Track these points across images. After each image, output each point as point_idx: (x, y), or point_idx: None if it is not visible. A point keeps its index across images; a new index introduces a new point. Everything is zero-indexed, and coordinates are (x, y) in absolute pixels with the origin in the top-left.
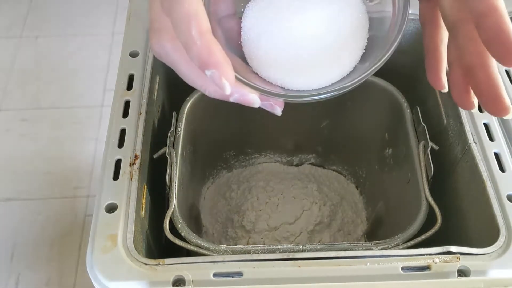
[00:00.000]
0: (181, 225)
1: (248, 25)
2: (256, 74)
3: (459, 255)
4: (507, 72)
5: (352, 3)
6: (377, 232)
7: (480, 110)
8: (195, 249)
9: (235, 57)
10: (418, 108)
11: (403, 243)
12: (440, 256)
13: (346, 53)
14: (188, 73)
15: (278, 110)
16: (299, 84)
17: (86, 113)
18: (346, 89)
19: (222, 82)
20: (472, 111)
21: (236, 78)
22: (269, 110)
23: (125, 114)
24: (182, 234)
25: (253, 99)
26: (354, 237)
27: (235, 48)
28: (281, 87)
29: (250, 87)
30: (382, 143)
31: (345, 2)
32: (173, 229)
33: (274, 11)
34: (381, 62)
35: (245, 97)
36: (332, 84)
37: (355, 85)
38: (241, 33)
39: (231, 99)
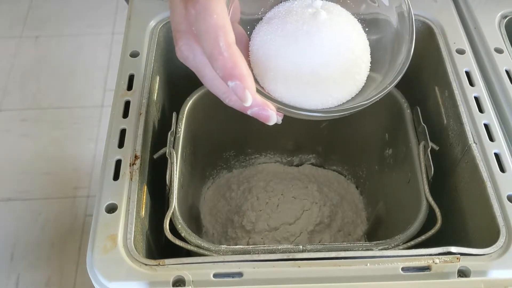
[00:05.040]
0: (181, 226)
1: (256, 48)
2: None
3: (459, 255)
4: (507, 72)
5: (356, 28)
6: (377, 232)
7: (480, 110)
8: (195, 249)
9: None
10: (418, 108)
11: (403, 244)
12: (440, 256)
13: (353, 74)
14: (212, 80)
15: (274, 119)
16: (307, 105)
17: (86, 113)
18: (357, 109)
19: (245, 94)
20: (472, 111)
21: (258, 91)
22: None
23: (125, 114)
24: (182, 234)
25: (271, 116)
26: (354, 237)
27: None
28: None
29: (271, 101)
30: (382, 143)
31: (351, 28)
32: (173, 229)
33: (283, 35)
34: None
35: (263, 112)
36: (343, 103)
37: (366, 105)
38: (249, 53)
39: (249, 112)
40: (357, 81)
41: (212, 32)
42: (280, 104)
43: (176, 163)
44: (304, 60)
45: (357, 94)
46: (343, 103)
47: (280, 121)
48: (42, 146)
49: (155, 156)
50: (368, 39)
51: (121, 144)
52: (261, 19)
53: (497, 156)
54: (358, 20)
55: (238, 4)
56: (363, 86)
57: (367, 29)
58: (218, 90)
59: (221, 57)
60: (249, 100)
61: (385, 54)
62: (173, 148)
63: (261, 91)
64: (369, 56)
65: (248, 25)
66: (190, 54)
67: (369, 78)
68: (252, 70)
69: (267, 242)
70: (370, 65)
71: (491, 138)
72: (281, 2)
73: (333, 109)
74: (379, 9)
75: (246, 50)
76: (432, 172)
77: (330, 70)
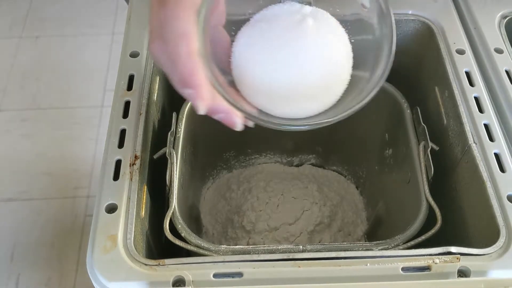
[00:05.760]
0: (181, 226)
1: (239, 50)
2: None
3: (459, 255)
4: (507, 72)
5: (341, 39)
6: (377, 232)
7: (480, 110)
8: (195, 249)
9: (221, 75)
10: (418, 108)
11: (403, 244)
12: (440, 256)
13: (330, 87)
14: (175, 82)
15: (240, 125)
16: (282, 113)
17: (86, 113)
18: (323, 124)
19: (197, 103)
20: (472, 111)
21: (225, 99)
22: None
23: (125, 114)
24: (182, 234)
25: (236, 123)
26: (354, 237)
27: (218, 61)
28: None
29: (238, 109)
30: (382, 144)
31: (336, 39)
32: (173, 229)
33: (265, 40)
34: (368, 98)
35: (228, 119)
36: (315, 116)
37: (335, 120)
38: (231, 56)
39: (216, 117)
40: (333, 95)
41: (175, 38)
42: (246, 115)
43: (176, 163)
44: (281, 69)
45: (342, 96)
46: (317, 115)
47: (252, 125)
48: (42, 146)
49: (155, 156)
50: (354, 40)
51: (121, 144)
52: (249, 20)
53: (497, 156)
54: (343, 22)
55: (223, 8)
56: (351, 86)
57: (351, 30)
58: (183, 95)
59: (180, 64)
60: (201, 110)
61: (370, 54)
62: (173, 148)
63: (227, 98)
64: (351, 69)
65: (234, 26)
66: (161, 56)
67: (356, 78)
68: (231, 72)
69: (267, 242)
70: (350, 78)
71: (491, 138)
72: (270, 5)
73: (301, 121)
74: (361, 10)
75: (227, 54)
76: (432, 172)
77: (307, 82)
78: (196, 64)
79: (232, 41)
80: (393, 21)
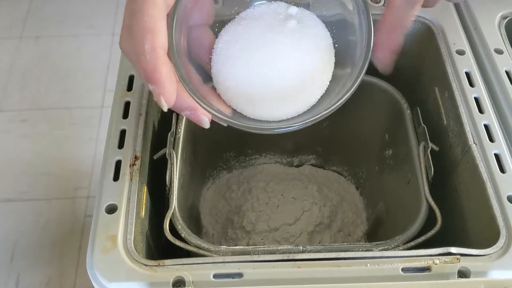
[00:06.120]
0: (181, 226)
1: (220, 46)
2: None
3: (459, 256)
4: (507, 73)
5: (324, 43)
6: (377, 233)
7: (480, 111)
8: (195, 250)
9: (195, 73)
10: (418, 108)
11: (403, 244)
12: (440, 257)
13: (310, 89)
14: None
15: (206, 123)
16: (258, 114)
17: (86, 113)
18: (298, 127)
19: (160, 100)
20: (472, 112)
21: (192, 96)
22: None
23: (125, 115)
24: (182, 235)
25: (203, 120)
26: (354, 238)
27: (199, 60)
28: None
29: (203, 109)
30: (382, 144)
31: (318, 42)
32: (173, 230)
33: (246, 38)
34: (345, 97)
35: (194, 116)
36: (291, 118)
37: (309, 123)
38: (212, 52)
39: (183, 114)
40: (310, 98)
41: (140, 33)
42: (213, 114)
43: (176, 163)
44: (259, 69)
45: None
46: (295, 117)
47: (225, 124)
48: (42, 147)
49: (155, 157)
50: (338, 44)
51: (121, 145)
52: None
53: (497, 156)
54: (328, 24)
55: (211, 9)
56: (334, 85)
57: (335, 31)
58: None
59: (143, 59)
60: (164, 106)
61: (354, 54)
62: (173, 148)
63: (194, 96)
64: (331, 73)
65: (222, 25)
66: (128, 49)
67: (339, 76)
68: (211, 68)
69: (267, 243)
70: (331, 79)
71: (491, 139)
72: (258, 3)
73: (275, 123)
74: (343, 10)
75: (208, 54)
76: (432, 173)
77: (283, 84)
78: (159, 60)
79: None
80: (371, 17)
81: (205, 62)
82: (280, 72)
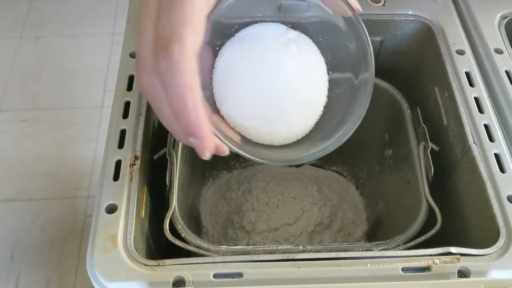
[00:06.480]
0: (181, 226)
1: (222, 66)
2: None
3: (459, 256)
4: (507, 73)
5: (317, 60)
6: (377, 233)
7: (480, 111)
8: (195, 250)
9: (204, 100)
10: (418, 108)
11: (403, 244)
12: (440, 257)
13: (307, 114)
14: (170, 121)
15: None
16: (258, 135)
17: (86, 114)
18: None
19: (203, 152)
20: (472, 112)
21: (221, 139)
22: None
23: (125, 115)
24: (182, 235)
25: (224, 152)
26: (354, 238)
27: (201, 79)
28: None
29: (226, 145)
30: (382, 144)
31: (315, 68)
32: (173, 230)
33: (249, 60)
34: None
35: (218, 151)
36: (297, 145)
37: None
38: (213, 72)
39: (190, 143)
40: (307, 123)
41: (181, 91)
42: (233, 150)
43: (176, 163)
44: (263, 91)
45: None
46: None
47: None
48: (42, 147)
49: (155, 157)
50: (332, 72)
51: (121, 145)
52: (233, 35)
53: (497, 156)
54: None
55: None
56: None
57: (330, 56)
58: (171, 129)
59: (186, 116)
60: (207, 157)
61: (346, 56)
62: (173, 148)
63: (218, 136)
64: (326, 92)
65: (218, 41)
66: (152, 90)
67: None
68: (212, 88)
69: (267, 243)
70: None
71: (491, 139)
72: (256, 23)
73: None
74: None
75: (209, 70)
76: (432, 173)
77: (285, 107)
78: (203, 116)
79: (215, 55)
80: (368, 39)
81: (208, 82)
82: (284, 94)
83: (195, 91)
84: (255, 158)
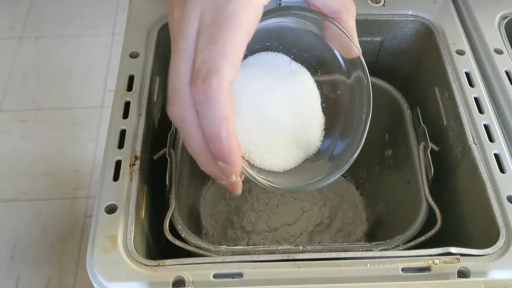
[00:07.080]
0: (181, 226)
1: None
2: None
3: (459, 256)
4: (507, 73)
5: (313, 87)
6: (377, 233)
7: (480, 111)
8: (195, 250)
9: None
10: (418, 109)
11: (403, 244)
12: (440, 257)
13: (309, 141)
14: (198, 149)
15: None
16: (261, 161)
17: (86, 114)
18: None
19: (232, 179)
20: (472, 112)
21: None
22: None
23: (125, 115)
24: (182, 235)
25: (239, 191)
26: (354, 238)
27: None
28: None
29: (251, 177)
30: (382, 144)
31: (310, 87)
32: (173, 230)
33: (257, 87)
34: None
35: (234, 187)
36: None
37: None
38: None
39: (222, 182)
40: (309, 149)
41: (217, 120)
42: (258, 182)
43: (176, 163)
44: (270, 117)
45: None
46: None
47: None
48: (42, 147)
49: (155, 157)
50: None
51: (121, 145)
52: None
53: (497, 156)
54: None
55: None
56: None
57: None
58: (197, 158)
59: (220, 144)
60: (236, 186)
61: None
62: (173, 148)
63: (246, 171)
64: (322, 119)
65: None
66: (183, 119)
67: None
68: None
69: (267, 243)
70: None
71: (491, 139)
72: (262, 52)
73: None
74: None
75: None
76: (432, 173)
77: (290, 133)
78: (235, 145)
79: None
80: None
81: None
82: (288, 121)
83: (231, 122)
84: (276, 187)
